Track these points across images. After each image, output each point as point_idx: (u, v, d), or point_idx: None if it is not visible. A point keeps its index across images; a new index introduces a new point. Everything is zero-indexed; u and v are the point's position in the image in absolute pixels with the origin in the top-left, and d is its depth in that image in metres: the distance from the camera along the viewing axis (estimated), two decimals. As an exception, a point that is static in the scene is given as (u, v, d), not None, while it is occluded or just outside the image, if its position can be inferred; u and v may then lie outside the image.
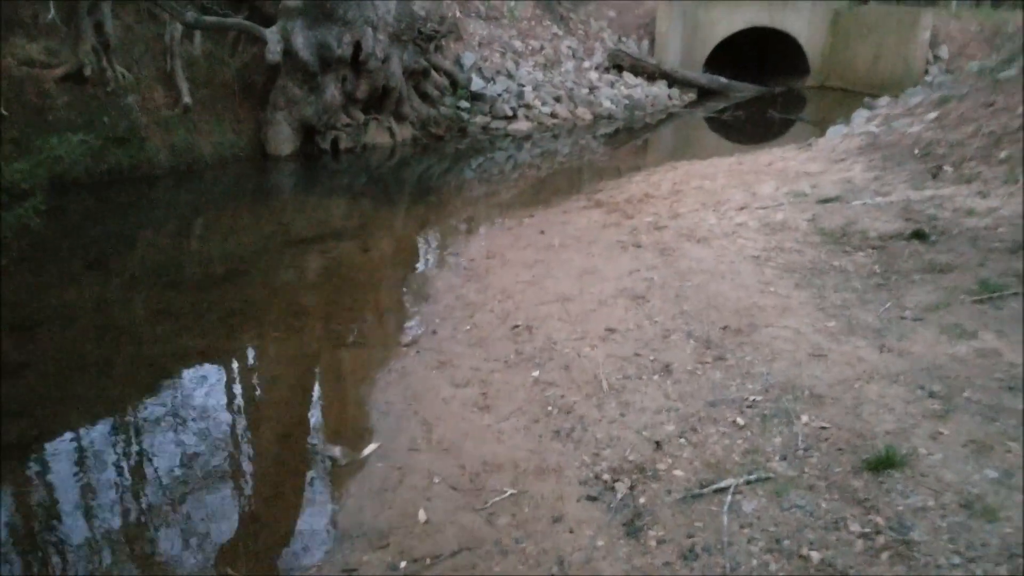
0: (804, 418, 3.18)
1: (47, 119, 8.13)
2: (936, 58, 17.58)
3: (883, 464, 2.79)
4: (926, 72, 16.97)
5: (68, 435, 3.60)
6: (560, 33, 17.83)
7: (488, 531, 2.71)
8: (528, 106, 14.06)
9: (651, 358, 3.92)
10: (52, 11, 8.05)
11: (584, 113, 15.14)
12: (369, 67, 10.39)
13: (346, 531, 2.83)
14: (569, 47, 17.60)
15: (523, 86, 14.51)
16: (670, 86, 18.03)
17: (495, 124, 13.26)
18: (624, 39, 19.54)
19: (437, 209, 8.26)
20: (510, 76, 14.63)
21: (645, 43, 19.78)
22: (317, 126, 10.28)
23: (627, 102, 16.33)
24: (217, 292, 5.53)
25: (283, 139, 10.12)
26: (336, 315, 5.07)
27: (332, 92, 10.20)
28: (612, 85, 17.00)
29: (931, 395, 3.31)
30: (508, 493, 2.91)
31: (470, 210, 8.18)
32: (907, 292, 4.50)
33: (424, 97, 12.29)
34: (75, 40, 8.41)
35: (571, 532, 2.66)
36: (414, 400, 3.76)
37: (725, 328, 4.17)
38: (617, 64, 17.99)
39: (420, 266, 6.30)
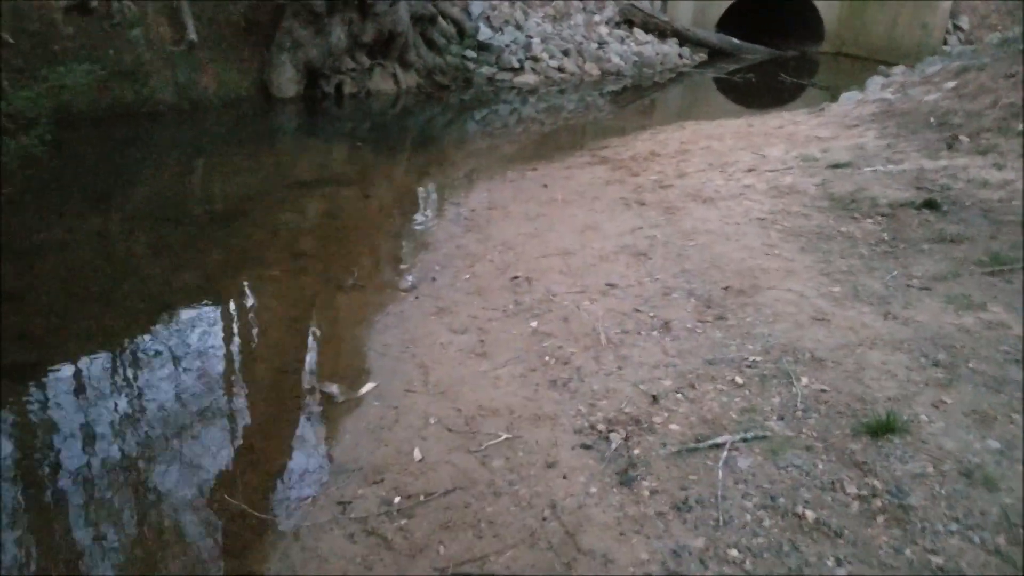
0: (804, 380, 3.17)
1: (52, 49, 7.97)
2: (956, 28, 17.27)
3: (883, 429, 2.78)
4: (945, 42, 16.68)
5: (66, 363, 3.60)
6: (572, -15, 17.43)
7: (482, 472, 2.72)
8: (535, 59, 13.82)
9: (651, 314, 3.90)
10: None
11: (592, 68, 14.89)
12: (377, 11, 10.18)
13: (341, 466, 2.84)
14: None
15: (531, 38, 14.25)
16: (681, 45, 17.73)
17: (501, 76, 13.05)
18: (636, -6, 19.09)
19: (439, 159, 8.16)
20: (518, 27, 14.35)
21: (658, 0, 19.40)
22: (322, 69, 10.11)
23: (636, 59, 16.06)
24: (217, 231, 5.49)
25: (287, 81, 9.95)
26: (335, 259, 5.04)
27: (338, 35, 10.01)
28: (622, 41, 16.69)
29: (935, 364, 3.29)
30: (503, 437, 2.91)
31: (472, 162, 8.09)
32: (915, 261, 4.46)
33: (430, 45, 12.07)
34: (79, -33, 8.19)
35: (564, 478, 2.67)
36: (411, 344, 3.75)
37: (727, 288, 4.14)
38: (628, 20, 17.65)
39: (420, 215, 6.25)
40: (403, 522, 2.50)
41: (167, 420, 3.17)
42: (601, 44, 15.97)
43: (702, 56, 17.75)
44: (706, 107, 12.28)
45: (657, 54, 16.70)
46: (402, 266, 4.89)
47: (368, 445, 2.95)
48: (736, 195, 5.78)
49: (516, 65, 13.45)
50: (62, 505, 2.69)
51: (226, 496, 2.70)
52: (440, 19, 12.53)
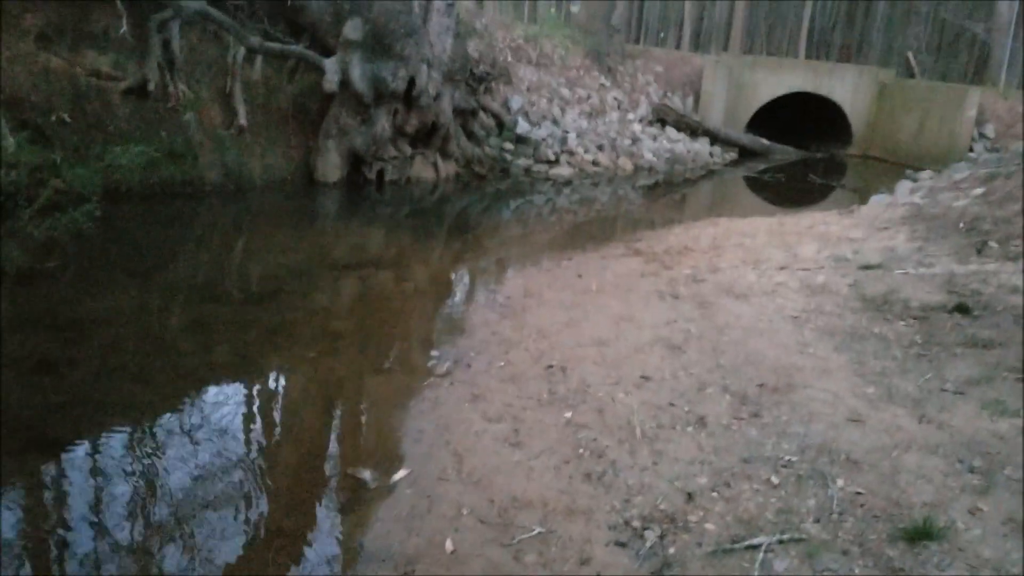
0: (840, 482, 3.13)
1: (108, 129, 8.39)
2: (981, 136, 17.52)
3: (920, 535, 2.73)
4: (970, 149, 16.90)
5: (98, 438, 3.65)
6: (607, 84, 18.09)
7: (515, 567, 2.69)
8: (571, 152, 14.24)
9: (686, 409, 3.89)
10: (124, 25, 8.37)
11: (625, 163, 15.27)
12: (421, 103, 10.62)
13: (372, 554, 2.82)
14: (615, 98, 17.84)
15: (567, 132, 14.71)
16: (712, 143, 18.17)
17: (537, 167, 13.43)
18: (669, 94, 19.76)
19: (475, 246, 8.34)
20: (555, 122, 14.85)
21: (690, 100, 20.00)
22: (365, 156, 10.49)
23: (668, 156, 16.48)
24: (255, 309, 5.63)
25: (331, 166, 10.33)
26: (370, 341, 5.12)
27: (383, 124, 10.43)
28: (655, 138, 17.17)
29: (971, 470, 3.24)
30: (536, 531, 2.89)
31: (508, 249, 8.25)
32: (948, 364, 4.43)
33: (470, 136, 12.51)
34: (142, 55, 8.73)
35: (599, 576, 2.64)
36: (446, 430, 3.77)
37: (762, 385, 4.14)
38: (661, 118, 18.19)
39: (457, 299, 6.36)
40: (435, 613, 2.48)
41: (195, 502, 3.18)
42: (634, 140, 16.43)
43: (733, 155, 18.14)
44: (737, 204, 12.47)
45: (688, 151, 17.12)
46: (437, 351, 4.94)
47: (399, 534, 2.94)
48: (769, 292, 5.82)
49: (552, 157, 13.85)
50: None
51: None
52: (481, 112, 13.03)
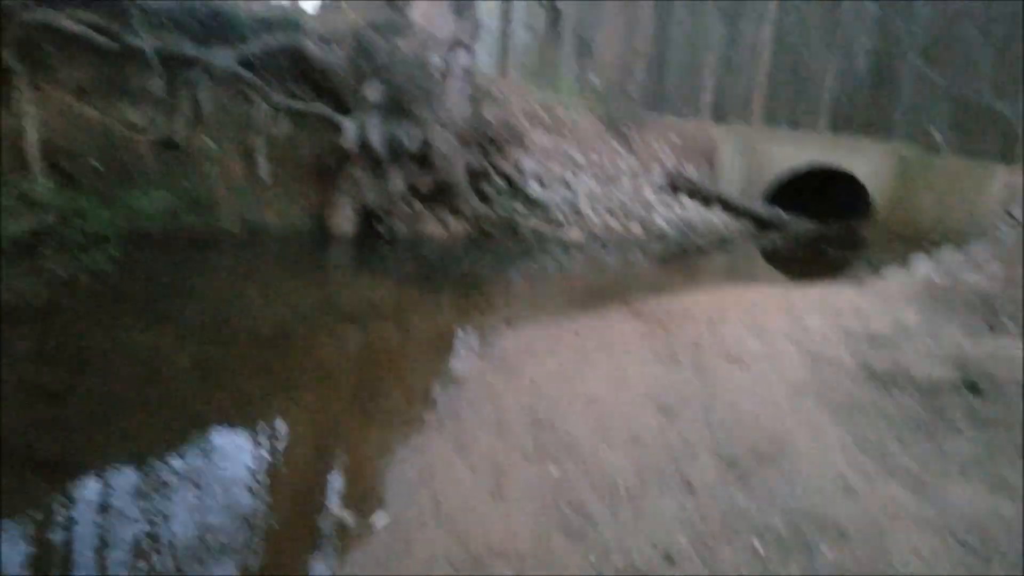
0: (824, 550, 3.06)
1: (135, 178, 8.63)
2: (1009, 215, 17.47)
3: (901, 608, 2.65)
4: (996, 228, 16.86)
5: (93, 463, 3.67)
6: (621, 151, 18.40)
7: (483, 617, 2.64)
8: (581, 215, 14.40)
9: (673, 469, 3.85)
10: (157, 83, 8.66)
11: (636, 229, 15.41)
12: (434, 163, 10.85)
13: (342, 597, 2.79)
14: (629, 165, 18.12)
15: (579, 196, 14.91)
16: (726, 213, 18.31)
17: (546, 229, 13.57)
18: (684, 163, 20.05)
19: (478, 303, 8.40)
20: (567, 186, 15.07)
21: (705, 169, 20.26)
22: (377, 212, 10.68)
23: (681, 224, 16.60)
24: (257, 353, 5.68)
25: (344, 220, 10.52)
26: (366, 388, 5.14)
27: (396, 182, 10.65)
28: (667, 206, 17.34)
29: (964, 546, 3.16)
30: (508, 582, 2.85)
31: (510, 307, 8.30)
32: (951, 441, 4.35)
33: (482, 196, 12.71)
34: (172, 111, 9.03)
35: (567, 631, 2.58)
36: (429, 478, 3.75)
37: (753, 451, 4.08)
38: (674, 186, 18.41)
39: (453, 353, 6.37)
40: (396, 660, 2.43)
41: (180, 527, 3.17)
42: (647, 207, 16.61)
43: (747, 225, 18.26)
44: (747, 274, 12.51)
45: (702, 220, 17.26)
46: (429, 400, 4.95)
47: (372, 577, 2.90)
48: (770, 358, 5.78)
49: (562, 220, 14.01)
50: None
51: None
52: (493, 174, 13.27)
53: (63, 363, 4.90)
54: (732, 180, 19.58)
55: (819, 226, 18.71)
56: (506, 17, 30.21)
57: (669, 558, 3.01)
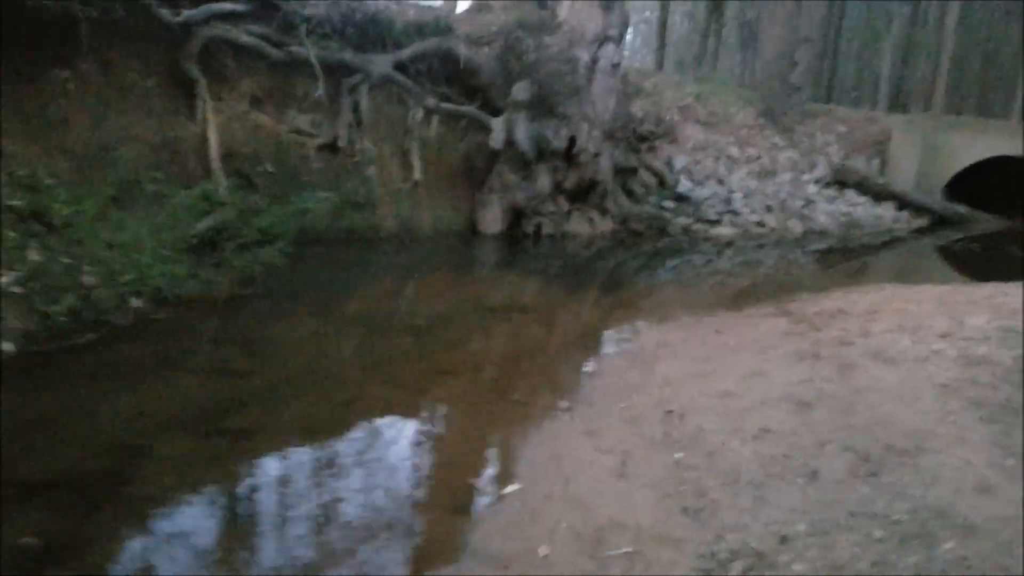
0: (948, 544, 3.01)
1: (302, 180, 9.54)
2: None
3: (1025, 605, 2.59)
4: None
5: (273, 434, 4.22)
6: (781, 144, 17.78)
7: (598, 579, 2.86)
8: (735, 212, 14.11)
9: (800, 461, 3.86)
10: (321, 89, 9.53)
11: (795, 225, 14.88)
12: (580, 160, 11.10)
13: (474, 551, 3.10)
14: (789, 158, 17.47)
15: (732, 192, 14.61)
16: (899, 208, 17.21)
17: (697, 227, 13.43)
18: (852, 156, 19.04)
19: (622, 300, 8.54)
20: (720, 181, 14.80)
21: (875, 162, 19.13)
22: (525, 210, 11.08)
23: (845, 219, 15.82)
24: (410, 341, 6.19)
25: (493, 219, 11.01)
26: (507, 376, 5.47)
27: (543, 181, 11.00)
28: (831, 201, 16.58)
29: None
30: (625, 551, 3.04)
31: (653, 305, 8.37)
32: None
33: (629, 193, 12.81)
34: (335, 115, 9.89)
35: (677, 599, 2.74)
36: (559, 458, 3.99)
37: (888, 447, 4.00)
38: (840, 180, 17.54)
39: (592, 347, 6.58)
40: (516, 609, 2.70)
41: (338, 496, 3.62)
42: (808, 202, 15.96)
43: (922, 221, 17.08)
44: (916, 273, 11.73)
45: (869, 216, 16.36)
46: (565, 389, 5.20)
47: (501, 538, 3.19)
48: (921, 359, 5.54)
49: (714, 217, 13.81)
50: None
51: (371, 558, 3.06)
52: (642, 171, 13.32)
53: (243, 347, 5.61)
54: (906, 173, 18.34)
55: (1006, 223, 17.13)
56: (666, 7, 29.78)
57: (785, 540, 3.08)
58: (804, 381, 5.16)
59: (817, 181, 17.04)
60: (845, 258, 13.23)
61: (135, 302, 5.84)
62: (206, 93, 8.61)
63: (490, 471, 3.90)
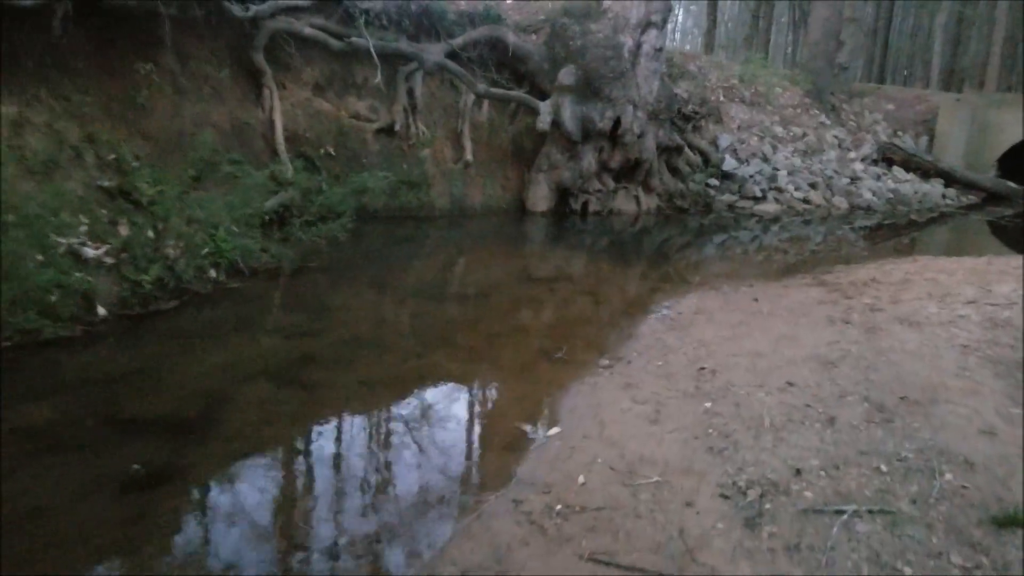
0: (948, 476, 3.36)
1: (361, 161, 10.10)
2: None
3: (1010, 522, 2.94)
4: None
5: (337, 382, 4.74)
6: (827, 122, 17.76)
7: (629, 500, 3.29)
8: (779, 189, 14.24)
9: (820, 410, 4.23)
10: (379, 76, 10.05)
11: (840, 202, 14.94)
12: (625, 140, 11.41)
13: (521, 480, 3.56)
14: (835, 136, 17.46)
15: (777, 170, 14.73)
16: (947, 185, 17.10)
17: (742, 203, 13.63)
18: (900, 133, 18.91)
19: (667, 273, 8.88)
20: (765, 159, 14.93)
21: (924, 140, 18.98)
22: (571, 189, 11.46)
23: (891, 196, 15.81)
24: (460, 307, 6.69)
25: (540, 197, 11.41)
26: (551, 337, 5.91)
27: (589, 160, 11.35)
28: (878, 178, 16.56)
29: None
30: (654, 480, 3.47)
31: (694, 277, 8.70)
32: None
33: (674, 172, 13.07)
34: (392, 101, 10.40)
35: (697, 514, 3.16)
36: (597, 407, 4.43)
37: (904, 398, 4.33)
38: (887, 157, 17.48)
39: (633, 314, 6.96)
40: (558, 521, 3.15)
41: (408, 445, 4.12)
42: (854, 179, 15.98)
43: (971, 198, 16.95)
44: (962, 248, 11.77)
45: (915, 192, 16.29)
46: (605, 349, 5.61)
47: (544, 470, 3.65)
48: (946, 323, 5.81)
49: (759, 194, 13.98)
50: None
51: (434, 484, 3.55)
52: (687, 150, 13.55)
53: (310, 311, 6.16)
54: (954, 151, 18.14)
55: (1059, 198, 16.86)
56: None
57: (798, 473, 3.47)
58: (831, 343, 5.49)
59: (864, 159, 17.00)
60: (894, 234, 13.27)
61: (213, 272, 6.43)
62: (272, 82, 9.20)
63: (536, 418, 4.34)
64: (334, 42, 9.80)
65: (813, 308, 6.60)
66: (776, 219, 13.32)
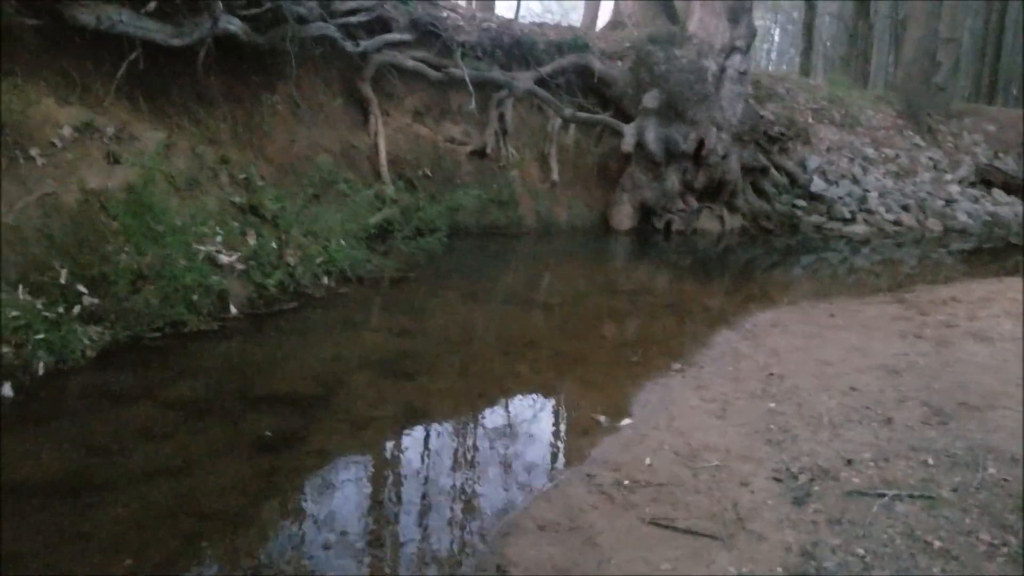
0: (991, 470, 3.63)
1: (455, 182, 10.81)
2: None
3: (1043, 507, 3.20)
4: None
5: (435, 372, 5.32)
6: (922, 144, 17.48)
7: (690, 479, 3.71)
8: (869, 211, 14.19)
9: (879, 411, 4.52)
10: (473, 103, 10.77)
11: (934, 224, 14.73)
12: (709, 161, 11.73)
13: (594, 459, 4.02)
14: (930, 158, 17.17)
15: (868, 191, 14.67)
16: (1054, 208, 16.52)
17: (830, 225, 13.65)
18: (1001, 155, 18.38)
19: (746, 290, 9.15)
20: (855, 181, 14.89)
21: (1028, 160, 18.37)
22: (655, 208, 11.84)
23: (988, 218, 15.44)
24: (546, 316, 7.20)
25: (624, 216, 11.85)
26: (629, 344, 6.35)
27: (672, 180, 11.72)
28: (975, 200, 16.19)
29: None
30: (714, 464, 3.87)
31: (775, 294, 8.93)
32: None
33: (759, 192, 13.24)
34: (484, 125, 11.11)
35: (751, 492, 3.55)
36: (668, 403, 4.84)
37: (962, 403, 4.57)
38: (986, 179, 17.06)
39: (710, 325, 7.30)
40: (625, 492, 3.60)
41: (495, 433, 4.66)
42: (949, 201, 15.70)
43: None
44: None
45: (1016, 215, 15.84)
46: (679, 355, 5.99)
47: (615, 452, 4.10)
48: (1017, 338, 5.93)
49: (847, 216, 13.97)
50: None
51: (518, 459, 4.06)
52: (773, 170, 13.70)
53: (409, 314, 6.80)
54: (1063, 170, 17.49)
55: None
56: (812, 8, 29.26)
57: (849, 463, 3.80)
58: (900, 354, 5.73)
59: (961, 180, 16.63)
60: (985, 256, 13.02)
61: (326, 279, 7.17)
62: (377, 109, 10.06)
63: (610, 411, 4.79)
64: (433, 72, 10.61)
65: (888, 323, 6.79)
66: (866, 241, 13.29)
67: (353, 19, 9.66)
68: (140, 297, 5.31)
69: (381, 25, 10.20)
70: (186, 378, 4.82)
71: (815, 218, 13.81)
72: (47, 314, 4.77)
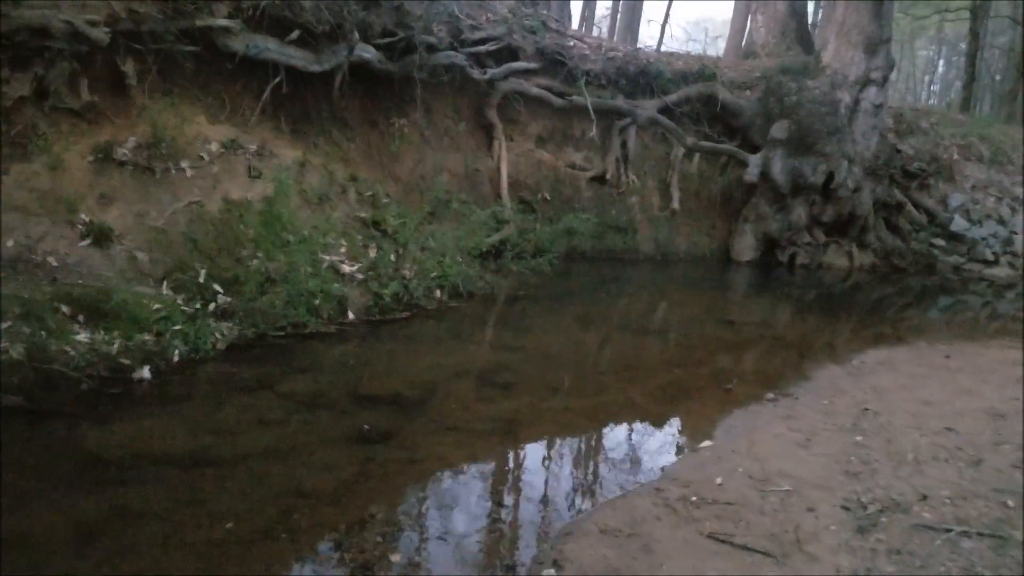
0: (1078, 519, 3.49)
1: (574, 206, 11.13)
2: None
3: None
4: None
5: (530, 380, 5.61)
6: (1085, 184, 16.06)
7: (757, 500, 3.79)
8: (1015, 254, 13.27)
9: (970, 452, 4.39)
10: (594, 130, 11.09)
11: (1093, 271, 13.53)
12: (838, 195, 11.44)
13: (667, 475, 4.17)
14: (1094, 199, 15.75)
15: (1015, 233, 13.72)
16: None
17: (969, 266, 12.90)
18: None
19: (869, 326, 8.85)
20: (1001, 221, 13.97)
21: None
22: (779, 240, 11.66)
23: None
24: (649, 339, 7.39)
25: (746, 247, 11.74)
26: (727, 372, 6.39)
27: (799, 213, 11.51)
28: None
29: None
30: (785, 488, 3.93)
31: (899, 333, 8.59)
32: None
33: (894, 229, 12.72)
34: (605, 152, 11.39)
35: (816, 518, 3.59)
36: (752, 429, 4.89)
37: (1069, 452, 4.35)
38: None
39: (817, 359, 7.18)
40: (690, 507, 3.74)
41: (586, 440, 4.90)
42: (1112, 246, 14.36)
43: None
44: None
45: None
46: (774, 386, 5.98)
47: (688, 470, 4.23)
48: None
49: (990, 257, 13.14)
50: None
51: (591, 470, 4.28)
52: (910, 207, 13.12)
53: (514, 331, 7.14)
54: None
55: None
56: (975, 41, 27.60)
57: (924, 498, 3.75)
58: (1012, 399, 5.47)
59: None
60: None
61: (438, 293, 7.66)
62: (501, 135, 10.59)
63: (692, 432, 4.91)
64: (556, 100, 11.02)
65: (1006, 368, 6.46)
66: (1011, 285, 12.43)
67: (482, 48, 10.24)
68: (267, 299, 5.96)
69: (509, 54, 10.73)
70: (302, 374, 5.36)
71: (954, 259, 13.08)
72: (185, 308, 5.47)
